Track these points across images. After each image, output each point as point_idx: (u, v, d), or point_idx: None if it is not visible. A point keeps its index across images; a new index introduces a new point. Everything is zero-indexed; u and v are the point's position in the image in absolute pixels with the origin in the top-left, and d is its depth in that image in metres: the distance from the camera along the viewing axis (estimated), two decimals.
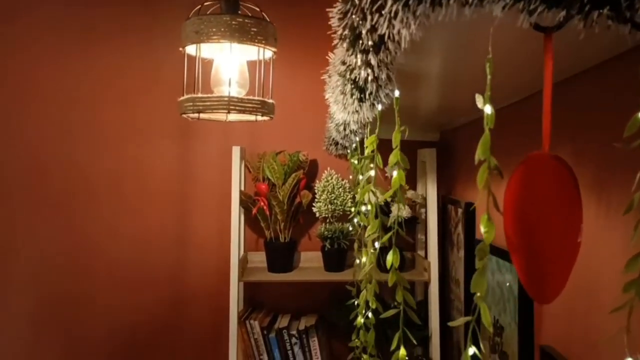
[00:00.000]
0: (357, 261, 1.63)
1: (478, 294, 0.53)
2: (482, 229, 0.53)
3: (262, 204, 1.79)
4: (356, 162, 1.91)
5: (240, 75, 1.07)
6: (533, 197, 0.49)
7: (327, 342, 1.96)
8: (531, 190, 0.49)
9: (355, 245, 1.62)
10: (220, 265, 2.00)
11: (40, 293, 1.96)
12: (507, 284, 1.23)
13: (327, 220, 1.89)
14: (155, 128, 2.01)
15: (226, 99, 1.01)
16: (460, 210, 1.67)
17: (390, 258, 0.86)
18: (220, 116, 1.17)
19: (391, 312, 0.93)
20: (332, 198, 1.85)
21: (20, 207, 1.97)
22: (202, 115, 1.13)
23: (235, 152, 1.77)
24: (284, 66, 1.87)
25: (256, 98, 1.06)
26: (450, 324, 0.68)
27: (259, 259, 1.97)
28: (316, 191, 1.88)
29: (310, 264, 1.97)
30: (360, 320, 1.27)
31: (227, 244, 1.96)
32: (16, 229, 1.97)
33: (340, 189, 1.86)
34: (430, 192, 1.78)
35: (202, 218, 2.01)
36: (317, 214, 1.87)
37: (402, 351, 0.85)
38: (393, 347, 0.88)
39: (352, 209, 1.88)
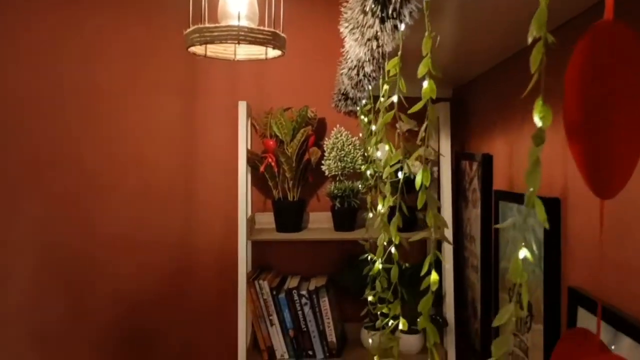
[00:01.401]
0: (370, 215, 1.58)
1: (531, 189, 0.48)
2: (536, 116, 0.47)
3: (270, 160, 1.74)
4: (366, 119, 1.86)
5: (249, 8, 1.01)
6: (600, 69, 0.42)
7: (338, 303, 1.92)
8: (598, 62, 0.43)
9: (368, 198, 1.57)
10: (228, 226, 1.95)
11: (42, 253, 1.92)
12: (531, 230, 1.18)
13: (337, 179, 1.83)
14: (159, 85, 1.94)
15: (235, 28, 0.94)
16: (475, 164, 1.61)
17: (419, 178, 0.80)
18: (228, 54, 1.11)
19: (421, 234, 0.87)
20: (342, 155, 1.79)
21: (22, 165, 1.91)
22: (209, 52, 1.07)
23: (242, 107, 1.71)
24: (292, 19, 1.80)
25: (267, 29, 1.00)
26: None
27: (267, 220, 1.92)
28: (325, 149, 1.82)
29: (319, 224, 1.92)
30: (379, 265, 1.22)
31: (234, 204, 1.91)
32: (18, 187, 1.91)
33: (350, 146, 1.80)
34: (444, 146, 1.72)
35: (208, 178, 1.95)
36: (327, 172, 1.81)
37: (434, 275, 0.80)
38: (424, 271, 0.83)
39: (362, 167, 1.83)
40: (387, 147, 1.67)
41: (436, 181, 1.92)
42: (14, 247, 1.91)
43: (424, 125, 0.76)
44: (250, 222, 1.76)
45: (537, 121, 0.46)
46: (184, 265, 1.95)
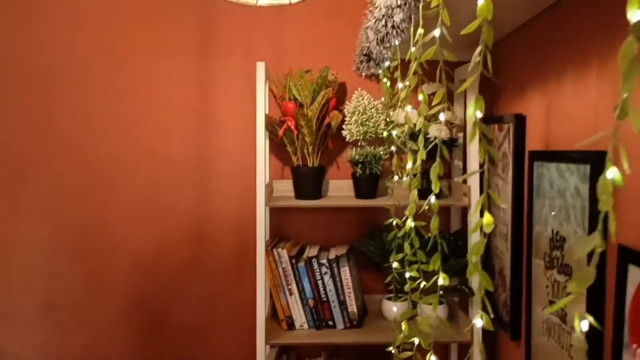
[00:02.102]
0: (396, 177, 1.51)
1: (625, 95, 0.40)
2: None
3: (289, 123, 1.67)
4: (388, 82, 1.78)
5: None
6: None
7: (358, 273, 1.86)
8: None
9: (395, 161, 1.50)
10: (245, 194, 1.89)
11: (56, 222, 1.87)
12: (573, 188, 1.11)
13: (358, 145, 1.76)
14: (172, 47, 1.87)
15: None
16: (506, 127, 1.54)
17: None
18: None
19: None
20: (364, 119, 1.71)
21: (35, 134, 1.86)
22: None
23: (260, 68, 1.63)
24: None
25: None
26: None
27: (285, 187, 1.86)
28: (346, 113, 1.74)
29: (339, 192, 1.86)
30: (410, 223, 1.16)
31: (252, 172, 1.85)
32: (30, 157, 1.86)
33: (372, 110, 1.72)
34: (472, 110, 1.63)
35: (225, 145, 1.89)
36: (348, 138, 1.74)
37: (488, 217, 0.74)
38: (476, 212, 0.76)
39: (385, 133, 1.76)
40: (412, 109, 1.60)
41: (462, 147, 1.84)
42: (27, 216, 1.87)
43: (478, 50, 0.69)
44: (269, 189, 1.70)
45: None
46: (201, 234, 1.90)
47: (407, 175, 1.24)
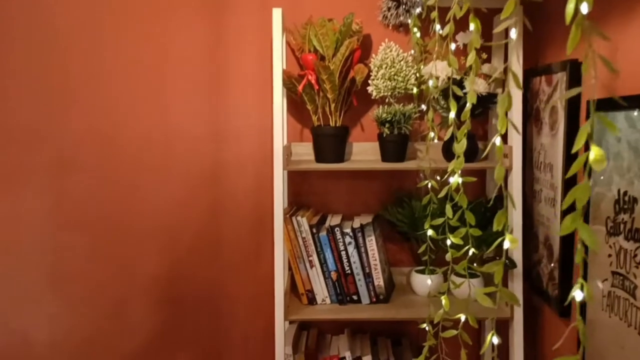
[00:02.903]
0: (432, 134, 1.34)
1: None
2: None
3: (309, 77, 1.50)
4: (418, 33, 1.60)
5: None
6: None
7: (384, 244, 1.71)
8: None
9: (430, 114, 1.33)
10: (261, 158, 1.74)
11: (60, 192, 1.74)
12: None
13: (386, 102, 1.59)
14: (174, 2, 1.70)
15: None
16: (557, 77, 1.35)
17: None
18: None
19: None
20: (392, 73, 1.54)
21: (38, 104, 1.71)
22: None
23: (276, 15, 1.46)
24: None
25: None
26: None
27: (304, 150, 1.70)
28: (372, 67, 1.57)
29: (364, 155, 1.69)
30: (457, 179, 0.99)
31: (267, 133, 1.70)
32: (36, 121, 1.72)
33: (401, 63, 1.54)
34: (514, 62, 1.45)
35: (239, 103, 1.73)
36: (374, 94, 1.57)
37: (598, 151, 0.57)
38: None
39: (415, 89, 1.58)
40: (446, 63, 1.42)
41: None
42: (32, 183, 1.73)
43: None
44: (287, 151, 1.54)
45: None
46: (215, 202, 1.76)
47: (449, 126, 1.08)
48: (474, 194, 1.72)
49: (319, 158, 1.60)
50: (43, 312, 1.76)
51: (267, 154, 1.72)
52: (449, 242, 1.23)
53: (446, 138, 1.14)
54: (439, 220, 1.19)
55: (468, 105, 0.96)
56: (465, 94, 1.49)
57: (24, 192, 1.72)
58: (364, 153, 1.70)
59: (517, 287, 1.48)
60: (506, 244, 0.70)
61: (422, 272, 1.63)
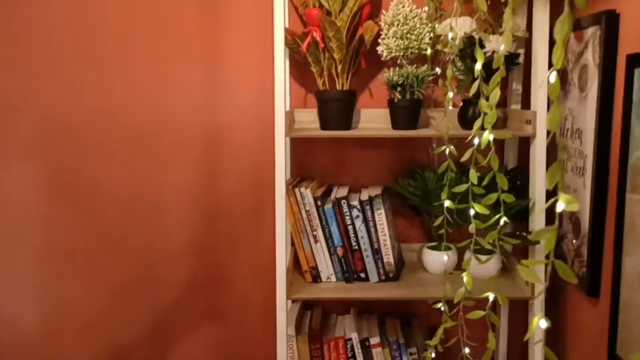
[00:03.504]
0: (450, 94, 1.21)
1: None
2: None
3: (314, 34, 1.37)
4: None
5: None
6: None
7: (393, 219, 1.59)
8: None
9: (449, 71, 1.20)
10: (261, 125, 1.61)
11: (46, 163, 1.62)
12: None
13: (398, 63, 1.46)
14: None
15: None
16: (589, 32, 1.22)
17: None
18: None
19: None
20: (404, 31, 1.40)
21: (20, 75, 1.58)
22: None
23: None
24: None
25: None
26: None
27: (308, 117, 1.57)
28: (382, 25, 1.43)
29: (372, 123, 1.57)
30: (488, 136, 0.87)
31: (268, 99, 1.57)
32: (24, 88, 1.59)
33: (415, 19, 1.41)
34: (541, 17, 1.31)
35: (236, 67, 1.60)
36: (384, 55, 1.43)
37: None
38: None
39: (429, 50, 1.45)
40: (465, 19, 1.29)
41: (521, 67, 1.52)
42: (18, 152, 1.61)
43: None
44: (289, 118, 1.41)
45: None
46: (212, 172, 1.64)
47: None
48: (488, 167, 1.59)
49: (324, 125, 1.47)
50: (30, 291, 1.66)
51: (268, 121, 1.59)
52: (472, 212, 1.11)
53: (472, 93, 1.01)
54: (462, 187, 1.06)
55: (500, 53, 0.83)
56: (485, 53, 1.36)
57: (10, 161, 1.61)
58: (372, 120, 1.57)
59: (540, 265, 1.36)
60: (560, 206, 0.58)
61: (435, 248, 1.52)
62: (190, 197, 1.64)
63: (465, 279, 1.03)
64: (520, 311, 1.64)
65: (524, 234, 1.35)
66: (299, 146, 1.63)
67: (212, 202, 1.65)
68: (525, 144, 1.45)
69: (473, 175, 1.00)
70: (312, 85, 1.58)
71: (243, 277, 1.68)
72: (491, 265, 1.45)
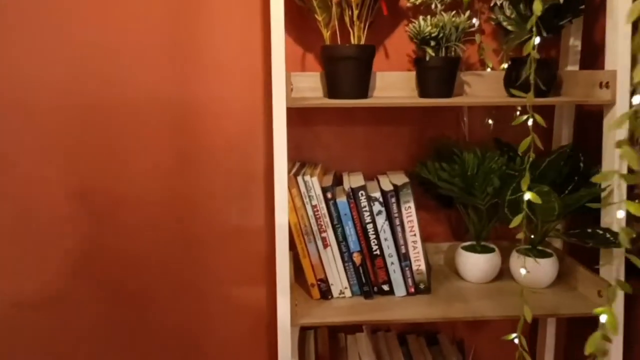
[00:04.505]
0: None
1: None
2: None
3: None
4: None
5: None
6: None
7: (417, 213, 1.26)
8: None
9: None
10: (248, 95, 1.25)
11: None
12: None
13: (432, 8, 1.11)
14: None
15: None
16: None
17: None
18: None
19: None
20: None
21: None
22: None
23: None
24: None
25: None
26: None
27: (307, 83, 1.21)
28: None
29: (392, 91, 1.22)
30: None
31: (256, 60, 1.20)
32: None
33: None
34: None
35: (211, 18, 1.22)
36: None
37: None
38: None
39: None
40: None
41: (580, 20, 1.20)
42: None
43: None
44: (287, 82, 1.05)
45: None
46: (184, 156, 1.26)
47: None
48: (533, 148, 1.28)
49: (333, 92, 1.12)
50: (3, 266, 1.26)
51: (255, 89, 1.23)
52: (526, 197, 0.79)
53: (528, 50, 0.68)
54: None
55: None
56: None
57: None
58: (391, 87, 1.22)
59: (618, 269, 1.05)
60: None
61: (472, 249, 1.19)
62: (156, 192, 1.27)
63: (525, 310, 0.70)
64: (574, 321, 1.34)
65: (606, 233, 1.03)
66: (296, 122, 1.27)
67: (182, 199, 1.28)
68: (586, 115, 1.13)
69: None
70: (311, 42, 1.22)
71: (224, 291, 1.32)
72: (547, 269, 1.13)
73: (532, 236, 1.15)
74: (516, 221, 0.83)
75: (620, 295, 1.05)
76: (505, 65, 1.23)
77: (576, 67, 1.21)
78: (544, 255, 1.15)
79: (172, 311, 1.32)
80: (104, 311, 1.30)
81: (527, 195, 0.82)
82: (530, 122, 0.84)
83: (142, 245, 1.28)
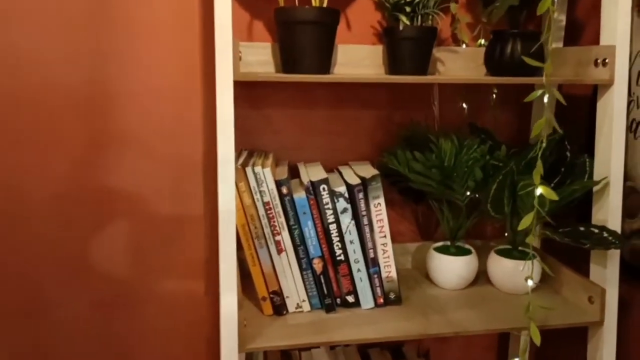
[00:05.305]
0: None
1: None
2: None
3: None
4: None
5: None
6: None
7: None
8: None
9: None
10: (181, 70, 1.03)
11: None
12: None
13: None
14: None
15: None
16: None
17: None
18: None
19: None
20: None
21: None
22: None
23: None
24: None
25: None
26: None
27: (258, 57, 1.01)
28: None
29: (357, 68, 1.04)
30: None
31: (191, 26, 1.00)
32: None
33: None
34: None
35: None
36: None
37: None
38: None
39: None
40: None
41: None
42: None
43: None
44: (235, 53, 0.84)
45: None
46: (99, 143, 1.03)
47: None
48: (509, 135, 1.15)
49: (288, 65, 0.92)
50: None
51: (191, 61, 1.02)
52: (538, 192, 0.64)
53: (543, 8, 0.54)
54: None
55: None
56: None
57: None
58: (355, 63, 1.04)
59: (612, 273, 0.93)
60: None
61: (446, 251, 1.04)
62: (68, 187, 1.03)
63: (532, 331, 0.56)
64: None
65: (606, 233, 0.90)
66: (242, 103, 1.07)
67: (101, 194, 1.04)
68: (568, 99, 1.01)
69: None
70: (259, 8, 1.02)
71: (151, 308, 1.11)
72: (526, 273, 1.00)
73: (505, 234, 1.01)
74: (526, 221, 0.68)
75: (613, 301, 0.93)
76: (482, 41, 1.08)
77: (560, 44, 1.08)
78: (526, 256, 1.02)
79: (94, 327, 1.09)
80: (15, 319, 1.05)
81: (539, 190, 0.67)
82: (546, 99, 0.68)
83: (53, 246, 1.04)
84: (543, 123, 0.67)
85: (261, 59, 1.00)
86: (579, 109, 1.08)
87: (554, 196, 0.67)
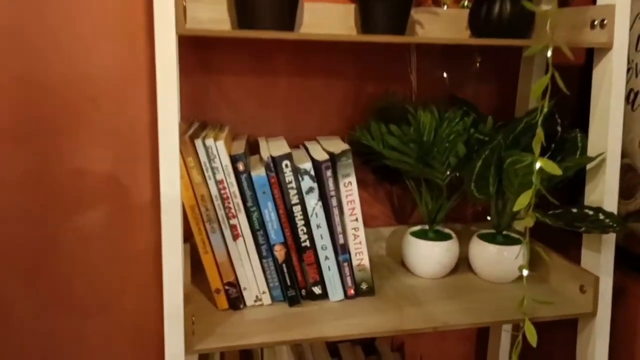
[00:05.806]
0: None
1: None
2: None
3: None
4: None
5: None
6: None
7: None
8: None
9: None
10: (121, 24, 0.89)
11: None
12: None
13: None
14: None
15: None
16: None
17: None
18: None
19: None
20: None
21: None
22: None
23: None
24: None
25: None
26: None
27: (210, 14, 0.88)
28: None
29: (325, 29, 0.92)
30: None
31: None
32: None
33: None
34: None
35: None
36: None
37: None
38: None
39: None
40: None
41: None
42: None
43: None
44: (179, 7, 0.71)
45: None
46: (27, 115, 0.89)
47: None
48: (492, 108, 1.05)
49: (245, 20, 0.80)
50: None
51: (134, 17, 0.88)
52: (538, 166, 0.54)
53: None
54: None
55: None
56: None
57: None
58: (323, 23, 0.92)
59: (606, 260, 0.84)
60: None
61: (424, 235, 0.94)
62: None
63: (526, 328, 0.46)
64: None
65: (593, 212, 0.81)
66: (193, 68, 0.94)
67: (32, 181, 0.91)
68: (562, 68, 0.91)
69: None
70: None
71: (88, 307, 0.98)
72: (514, 260, 0.91)
73: (487, 217, 0.91)
74: (523, 201, 0.57)
75: (607, 291, 0.84)
76: (466, 2, 0.97)
77: (548, 6, 0.98)
78: (511, 241, 0.92)
79: (33, 330, 0.95)
80: None
81: (539, 164, 0.57)
82: (549, 54, 0.58)
83: None
84: (546, 81, 0.56)
85: (213, 16, 0.87)
86: (570, 80, 0.98)
87: (557, 170, 0.57)
